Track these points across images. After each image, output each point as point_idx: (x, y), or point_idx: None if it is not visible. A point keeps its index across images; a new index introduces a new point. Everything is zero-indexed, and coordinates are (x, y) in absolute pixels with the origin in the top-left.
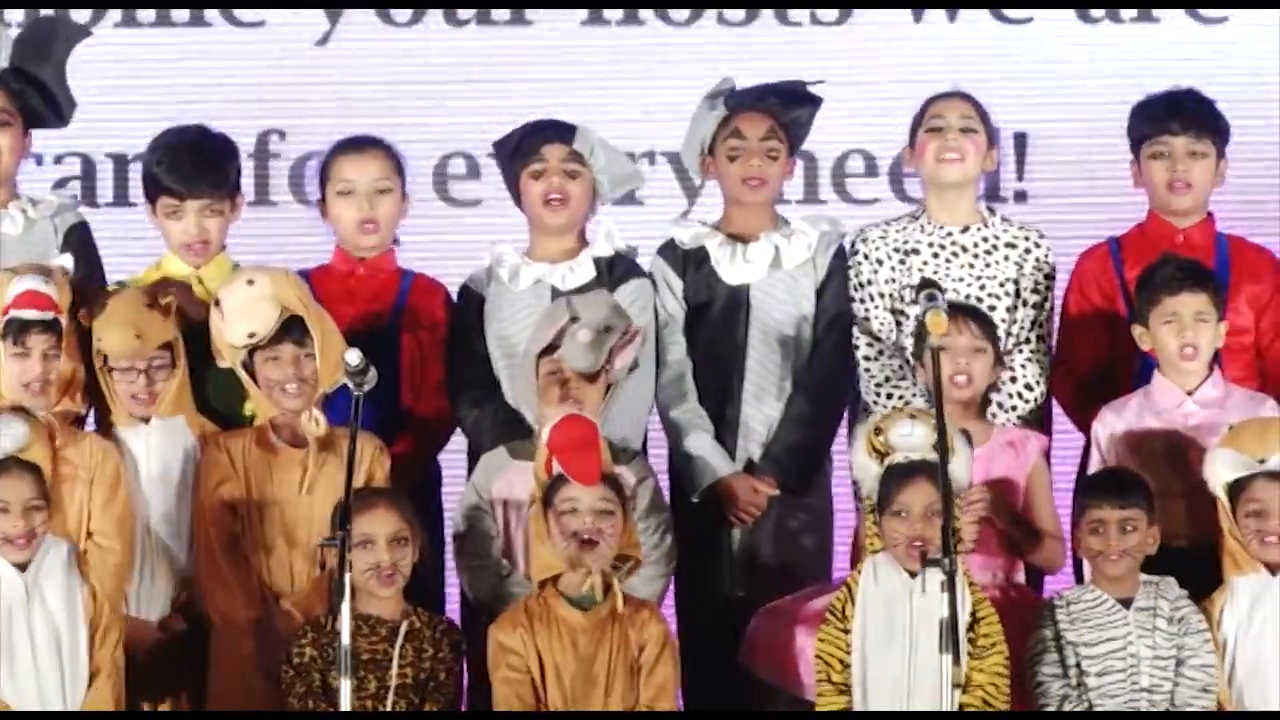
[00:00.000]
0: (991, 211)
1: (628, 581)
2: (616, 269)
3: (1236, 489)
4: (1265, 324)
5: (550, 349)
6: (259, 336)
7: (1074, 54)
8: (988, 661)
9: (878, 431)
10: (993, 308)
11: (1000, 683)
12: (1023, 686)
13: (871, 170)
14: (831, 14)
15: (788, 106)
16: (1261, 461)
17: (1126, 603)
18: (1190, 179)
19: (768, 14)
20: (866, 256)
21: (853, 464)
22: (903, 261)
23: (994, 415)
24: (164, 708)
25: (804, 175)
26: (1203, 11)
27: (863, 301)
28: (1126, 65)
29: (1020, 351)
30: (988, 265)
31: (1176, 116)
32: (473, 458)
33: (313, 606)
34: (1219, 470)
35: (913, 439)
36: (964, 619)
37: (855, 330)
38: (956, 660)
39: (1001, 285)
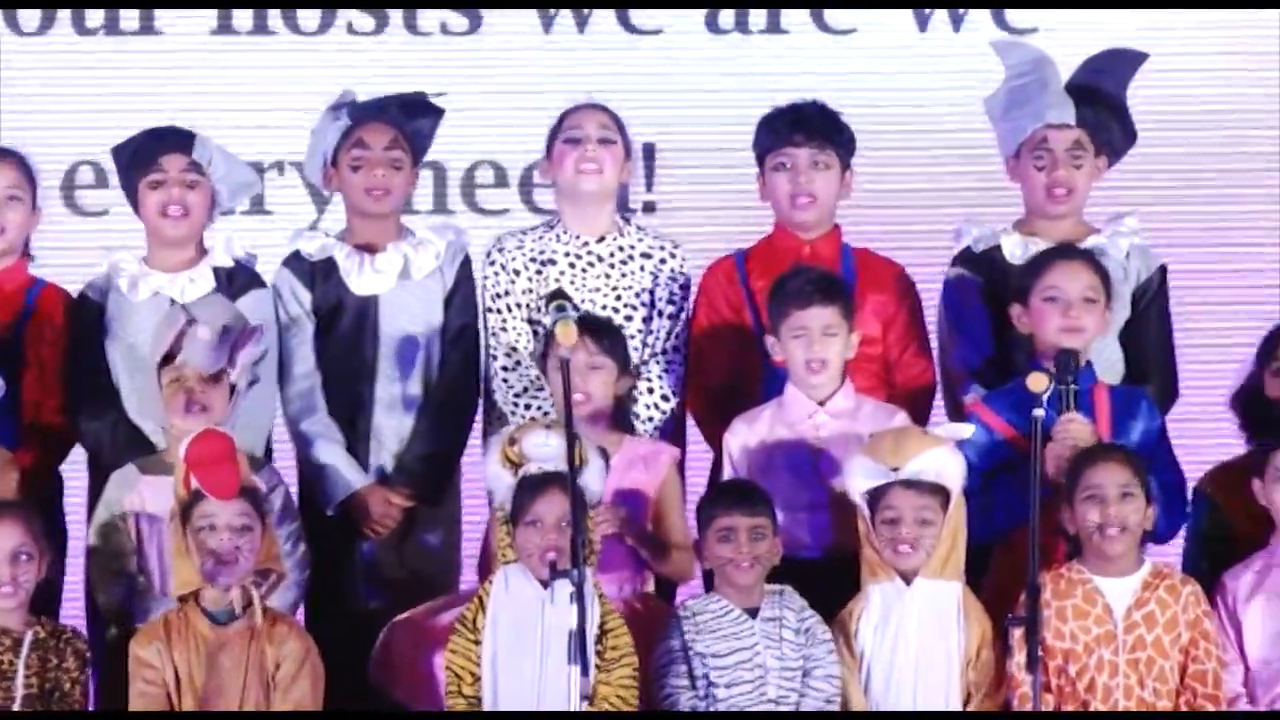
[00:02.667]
0: (627, 221)
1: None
2: (237, 280)
3: (874, 498)
4: (892, 336)
5: (170, 357)
6: None
7: (702, 65)
8: (615, 673)
9: (512, 442)
10: (629, 318)
11: (627, 694)
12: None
13: (501, 181)
14: (462, 24)
15: (410, 117)
16: (895, 470)
17: (753, 613)
18: (813, 190)
19: (398, 23)
20: (503, 267)
21: (486, 474)
22: (539, 272)
23: (633, 428)
24: None
25: (433, 185)
26: (831, 23)
27: (500, 312)
28: (754, 77)
29: (657, 362)
30: (623, 276)
31: (800, 128)
32: (92, 469)
33: None
34: (857, 479)
35: (546, 449)
36: (592, 631)
37: (493, 340)
38: (585, 672)
39: (637, 295)
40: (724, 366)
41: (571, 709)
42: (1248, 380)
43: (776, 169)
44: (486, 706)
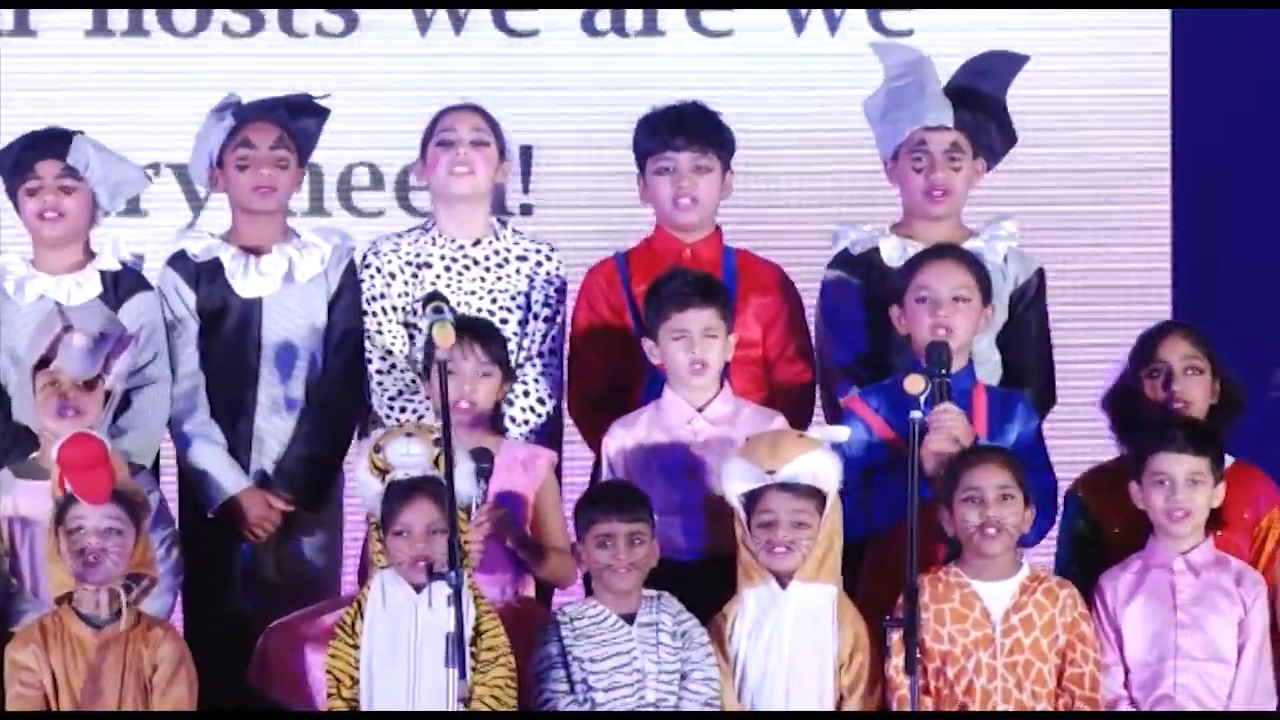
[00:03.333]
0: (503, 224)
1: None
2: (123, 283)
3: (750, 500)
4: (771, 338)
5: (46, 361)
6: None
7: (579, 68)
8: (490, 675)
9: (378, 449)
10: (504, 321)
11: (503, 695)
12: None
13: (377, 182)
14: (338, 25)
15: (295, 117)
16: (771, 473)
17: (630, 618)
18: (696, 193)
19: (273, 24)
20: (379, 270)
21: (355, 480)
22: (415, 275)
23: (504, 430)
24: None
25: (310, 187)
26: (708, 25)
27: (375, 315)
28: (632, 79)
29: (533, 365)
30: (499, 279)
31: (681, 131)
32: None
33: None
34: (733, 482)
35: (409, 457)
36: (468, 633)
37: (368, 344)
38: (463, 674)
39: (513, 298)
40: (604, 369)
41: (450, 710)
42: (1120, 381)
43: (659, 172)
44: (364, 709)
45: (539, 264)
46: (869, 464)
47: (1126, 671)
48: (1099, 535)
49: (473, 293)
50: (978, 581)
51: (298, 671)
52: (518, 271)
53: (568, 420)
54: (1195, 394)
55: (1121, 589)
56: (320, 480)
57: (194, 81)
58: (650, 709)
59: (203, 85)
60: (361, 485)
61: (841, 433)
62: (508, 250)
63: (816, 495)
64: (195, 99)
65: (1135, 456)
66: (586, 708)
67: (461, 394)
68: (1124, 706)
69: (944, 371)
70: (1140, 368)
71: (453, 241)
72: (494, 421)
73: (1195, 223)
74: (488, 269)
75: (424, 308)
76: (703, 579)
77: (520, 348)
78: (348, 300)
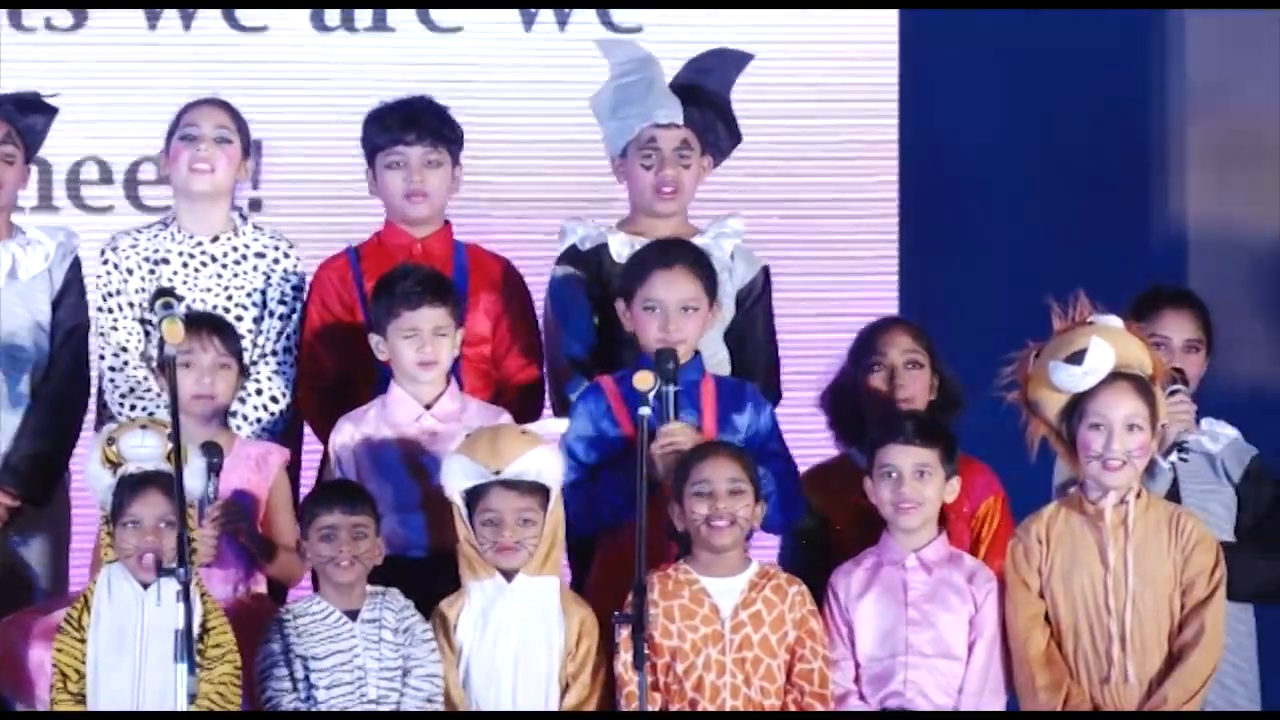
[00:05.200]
0: (244, 220)
1: None
2: None
3: (473, 496)
4: (500, 333)
5: None
6: None
7: (309, 63)
8: (216, 672)
9: (110, 441)
10: (239, 318)
11: (228, 692)
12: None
13: (106, 178)
14: (66, 20)
15: (23, 113)
16: (497, 473)
17: (353, 614)
18: (427, 189)
19: (1, 20)
20: (116, 265)
21: (86, 473)
22: (153, 271)
23: (239, 427)
24: None
25: (38, 183)
26: (437, 21)
27: (111, 311)
28: (361, 75)
29: (266, 363)
30: (236, 275)
31: (412, 127)
32: None
33: None
34: (455, 478)
35: (142, 450)
36: (195, 629)
37: (102, 340)
38: (191, 670)
39: (249, 295)
40: (336, 365)
41: (180, 709)
42: (839, 378)
43: (390, 167)
44: (90, 705)
45: (276, 261)
46: (599, 459)
47: (857, 667)
48: (824, 531)
49: (209, 289)
50: (707, 578)
51: (24, 667)
52: (255, 268)
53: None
54: (915, 388)
55: (854, 584)
56: (46, 476)
57: None
58: (371, 706)
59: None
60: (93, 478)
61: (561, 425)
62: (246, 247)
63: (540, 491)
64: None
65: (866, 452)
66: (308, 705)
67: (202, 386)
68: (853, 701)
69: (672, 383)
70: (860, 362)
71: (191, 238)
72: (228, 418)
73: (922, 222)
74: (225, 265)
75: (154, 304)
76: (431, 575)
77: (255, 345)
78: (73, 297)
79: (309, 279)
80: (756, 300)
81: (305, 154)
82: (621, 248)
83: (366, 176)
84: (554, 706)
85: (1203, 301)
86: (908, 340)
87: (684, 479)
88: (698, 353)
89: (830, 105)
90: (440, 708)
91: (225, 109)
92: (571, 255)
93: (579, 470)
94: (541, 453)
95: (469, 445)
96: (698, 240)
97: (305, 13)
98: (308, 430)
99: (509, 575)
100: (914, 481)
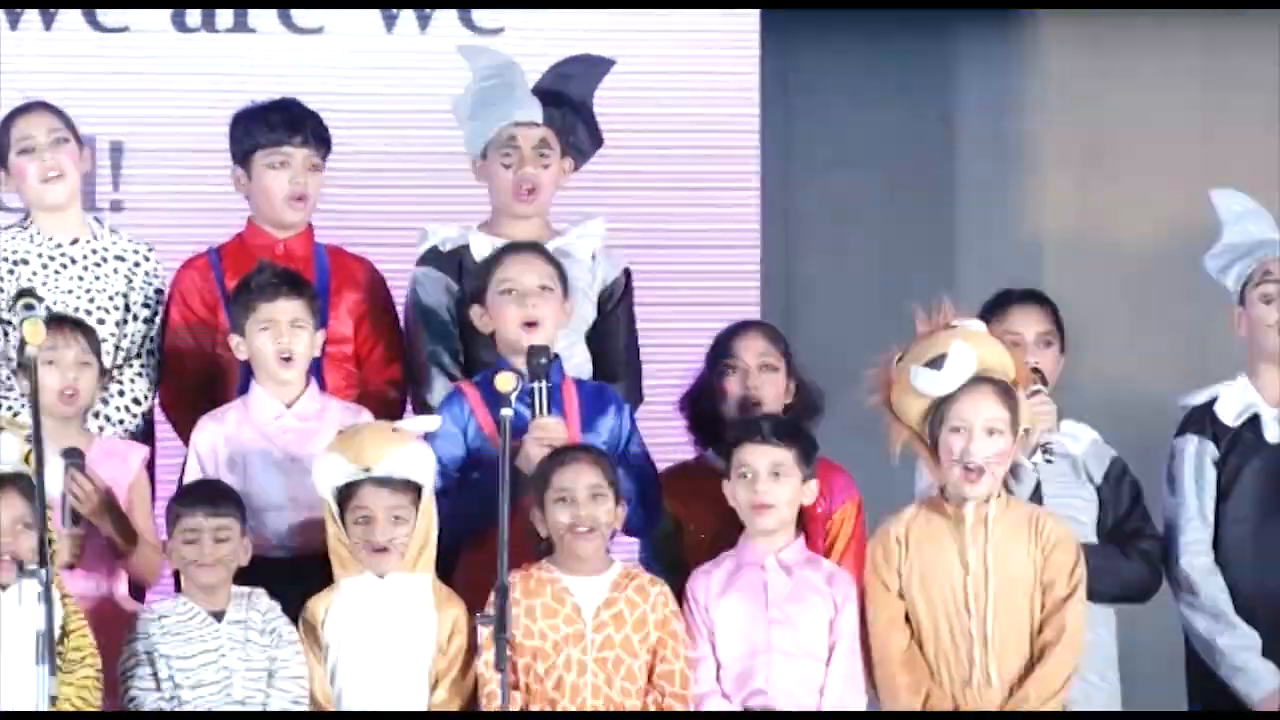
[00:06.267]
0: (100, 223)
1: None
2: None
3: (344, 495)
4: (362, 334)
5: None
6: None
7: (170, 63)
8: (77, 674)
9: None
10: (101, 321)
11: (89, 695)
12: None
13: None
14: None
15: None
16: (368, 470)
17: (219, 615)
18: (306, 191)
19: None
20: None
21: None
22: (11, 271)
23: (101, 429)
24: None
25: None
26: (299, 23)
27: None
28: (223, 76)
29: (130, 366)
30: (97, 278)
31: (297, 129)
32: None
33: None
34: (326, 477)
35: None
36: (56, 631)
37: None
38: (53, 671)
39: (111, 299)
40: (198, 365)
41: (43, 709)
42: (696, 382)
43: (272, 167)
44: None
45: (137, 264)
46: (466, 461)
47: (719, 667)
48: (681, 533)
49: (70, 291)
50: (570, 577)
51: None
52: (115, 271)
53: (161, 420)
54: (769, 392)
55: (713, 586)
56: None
57: None
58: (237, 706)
59: None
60: None
61: (431, 422)
62: (106, 250)
63: (412, 488)
64: None
65: (723, 454)
66: (173, 705)
67: (66, 380)
68: (715, 701)
69: (544, 379)
70: (715, 366)
71: (50, 240)
72: (87, 419)
73: (784, 224)
74: (85, 268)
75: (15, 304)
76: (298, 575)
77: (118, 348)
78: None
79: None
80: (618, 302)
81: (166, 156)
82: (483, 249)
83: (233, 175)
84: (423, 704)
85: (1050, 298)
86: (762, 344)
87: (544, 486)
88: (557, 355)
89: (692, 107)
90: (305, 709)
91: (50, 110)
92: (433, 256)
93: (443, 474)
94: (413, 450)
95: (340, 443)
96: (559, 242)
97: (166, 13)
98: (164, 432)
99: (381, 573)
100: (769, 481)
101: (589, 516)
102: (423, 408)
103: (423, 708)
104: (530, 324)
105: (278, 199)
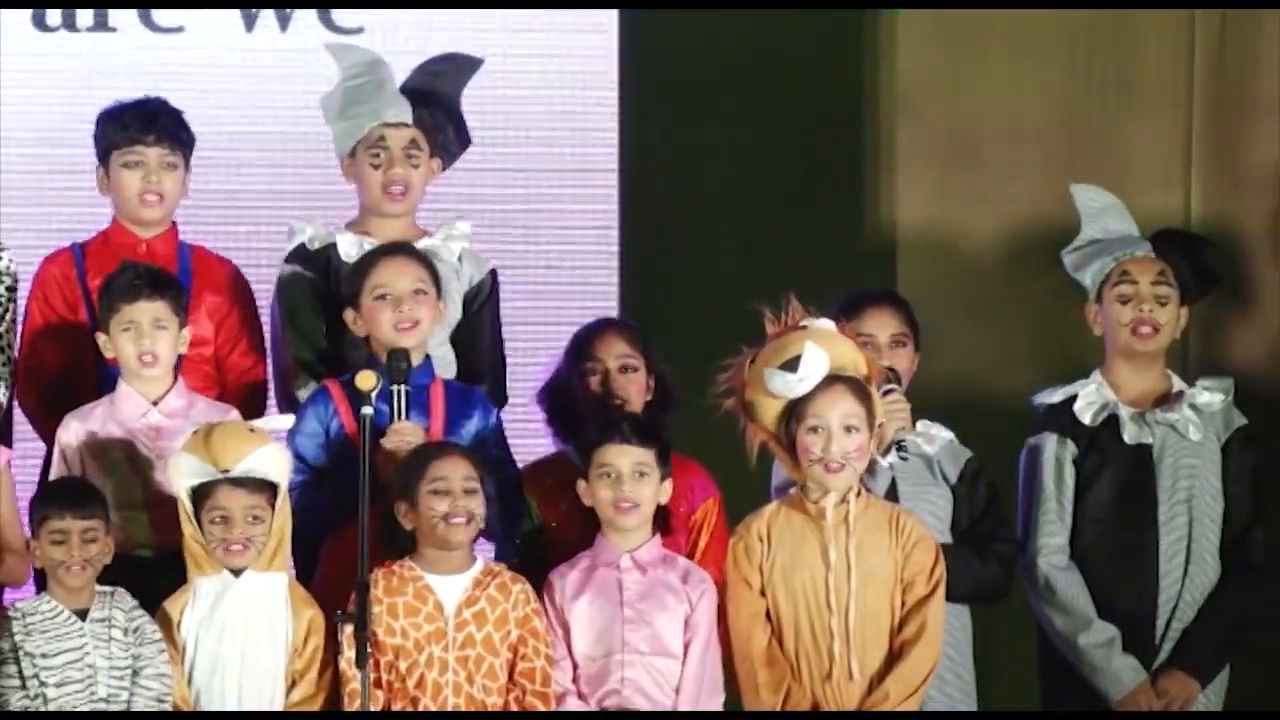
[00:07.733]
0: None
1: None
2: None
3: (200, 494)
4: (223, 335)
5: None
6: None
7: (30, 62)
8: None
9: None
10: None
11: None
12: None
13: None
14: None
15: None
16: (225, 471)
17: (83, 614)
18: (162, 190)
19: None
20: None
21: None
22: None
23: None
24: None
25: None
26: (159, 22)
27: None
28: (83, 75)
29: None
30: None
31: (151, 128)
32: None
33: None
34: (181, 476)
35: None
36: None
37: None
38: None
39: None
40: (59, 364)
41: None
42: (555, 376)
43: (127, 166)
44: None
45: None
46: (327, 459)
47: (575, 666)
48: (540, 529)
49: None
50: (431, 575)
51: None
52: None
53: (19, 418)
54: (630, 391)
55: (569, 586)
56: None
57: None
58: (102, 705)
59: None
60: None
61: (286, 421)
62: None
63: (268, 488)
64: None
65: (582, 453)
66: (38, 704)
67: None
68: (572, 701)
69: (403, 382)
70: (576, 365)
71: None
72: None
73: (642, 224)
74: None
75: None
76: (156, 574)
77: None
78: None
79: (22, 279)
80: (484, 302)
81: (26, 154)
82: (350, 248)
83: (96, 174)
84: (279, 704)
85: (903, 299)
86: (622, 345)
87: (419, 477)
88: (428, 356)
89: (552, 106)
90: (169, 707)
91: None
92: (299, 255)
93: (306, 472)
94: (269, 450)
95: (194, 443)
96: (425, 242)
97: (27, 12)
98: (21, 430)
99: (237, 571)
100: (633, 481)
101: (464, 508)
102: (290, 406)
103: (280, 708)
104: (404, 328)
105: (131, 197)
